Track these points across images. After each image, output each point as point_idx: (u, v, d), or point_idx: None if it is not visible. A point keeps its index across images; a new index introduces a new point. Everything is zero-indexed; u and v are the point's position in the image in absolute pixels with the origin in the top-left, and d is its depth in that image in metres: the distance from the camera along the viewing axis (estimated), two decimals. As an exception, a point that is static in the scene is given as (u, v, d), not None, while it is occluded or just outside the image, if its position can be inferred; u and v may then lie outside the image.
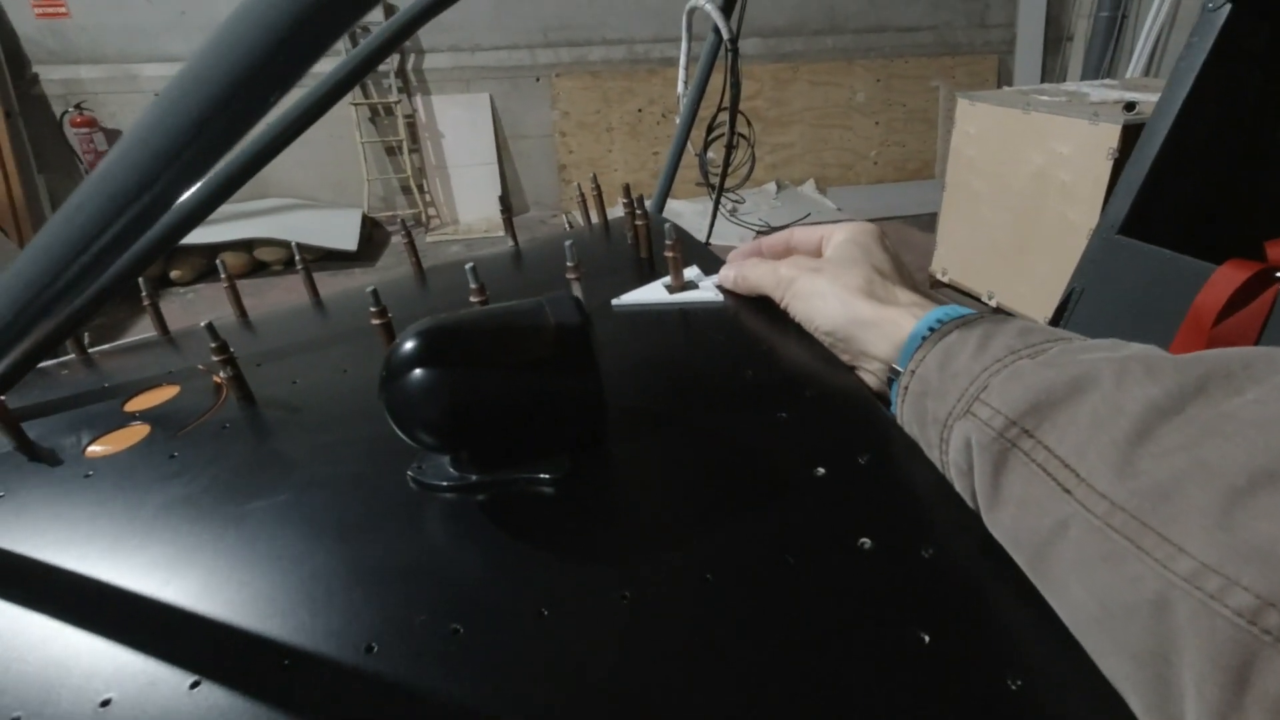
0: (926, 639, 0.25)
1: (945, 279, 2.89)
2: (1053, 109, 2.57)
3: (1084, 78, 3.93)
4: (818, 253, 0.47)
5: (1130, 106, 2.38)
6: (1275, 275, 0.92)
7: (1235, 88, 1.16)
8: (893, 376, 0.36)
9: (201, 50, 0.20)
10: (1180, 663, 0.20)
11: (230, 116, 0.20)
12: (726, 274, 0.50)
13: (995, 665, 0.24)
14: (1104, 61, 3.90)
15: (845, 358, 0.41)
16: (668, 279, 0.52)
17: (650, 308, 0.51)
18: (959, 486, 0.31)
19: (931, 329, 0.34)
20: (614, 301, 0.51)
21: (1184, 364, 0.24)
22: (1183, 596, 0.20)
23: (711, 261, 0.55)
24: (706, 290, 0.51)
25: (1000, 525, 0.28)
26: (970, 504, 0.30)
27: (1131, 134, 2.29)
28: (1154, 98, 2.49)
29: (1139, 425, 0.23)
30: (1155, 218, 1.16)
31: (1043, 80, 4.37)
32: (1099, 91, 2.79)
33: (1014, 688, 0.23)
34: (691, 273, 0.53)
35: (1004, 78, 4.61)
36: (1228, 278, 0.93)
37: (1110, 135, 2.36)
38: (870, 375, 0.39)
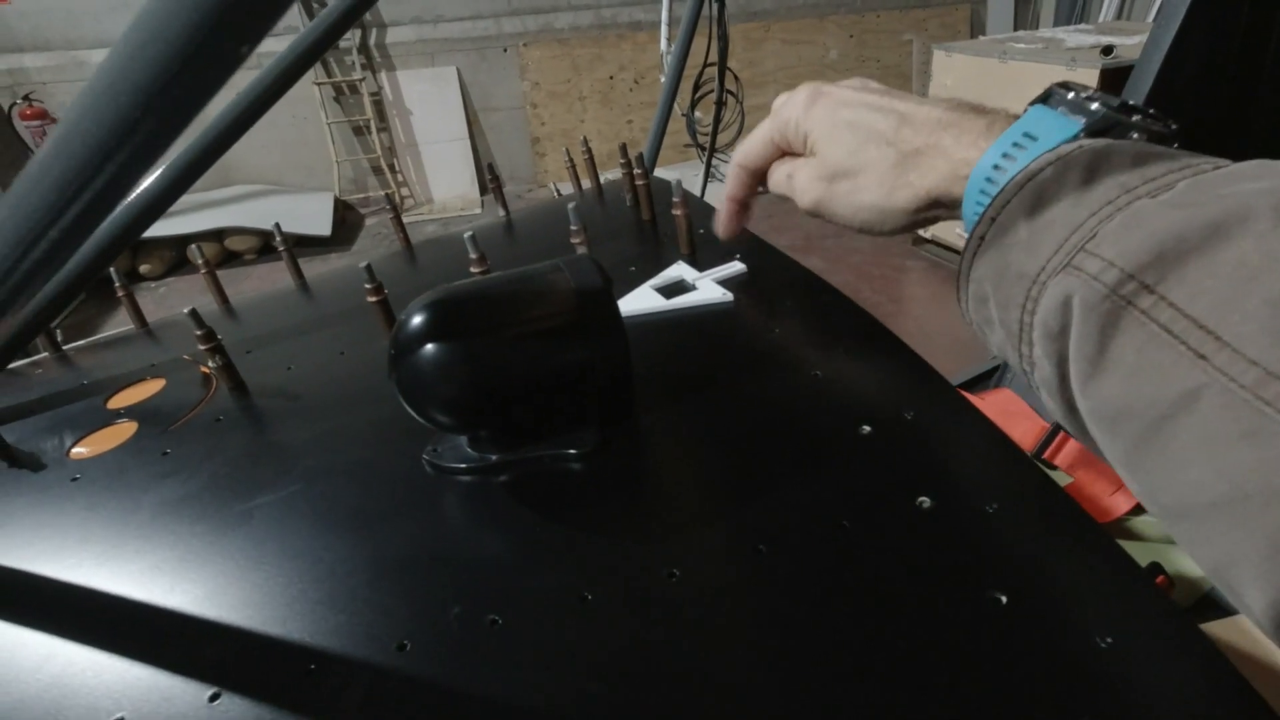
0: (1004, 600, 0.23)
1: (928, 234, 2.89)
2: (1029, 57, 2.54)
3: (1057, 23, 3.90)
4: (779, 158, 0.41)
5: (1108, 50, 2.36)
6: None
7: (1223, 24, 1.14)
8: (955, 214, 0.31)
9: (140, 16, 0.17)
10: None
11: (191, 72, 0.17)
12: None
13: (1081, 623, 0.22)
14: (1076, 6, 3.87)
15: None
16: (656, 280, 0.45)
17: (643, 318, 0.42)
18: (1039, 351, 0.26)
19: (997, 166, 0.29)
20: None
21: None
22: None
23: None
24: (709, 289, 0.44)
25: (1099, 396, 0.24)
26: (1047, 372, 0.26)
27: (1110, 78, 2.28)
28: (1129, 40, 2.48)
29: None
30: (1147, 159, 1.14)
31: (1015, 28, 4.33)
32: (1075, 37, 2.76)
33: (1104, 645, 0.22)
34: (680, 271, 0.46)
35: (976, 28, 4.56)
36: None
37: (1089, 80, 2.34)
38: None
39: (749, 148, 0.41)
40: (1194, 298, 0.21)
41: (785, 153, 0.41)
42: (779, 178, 0.40)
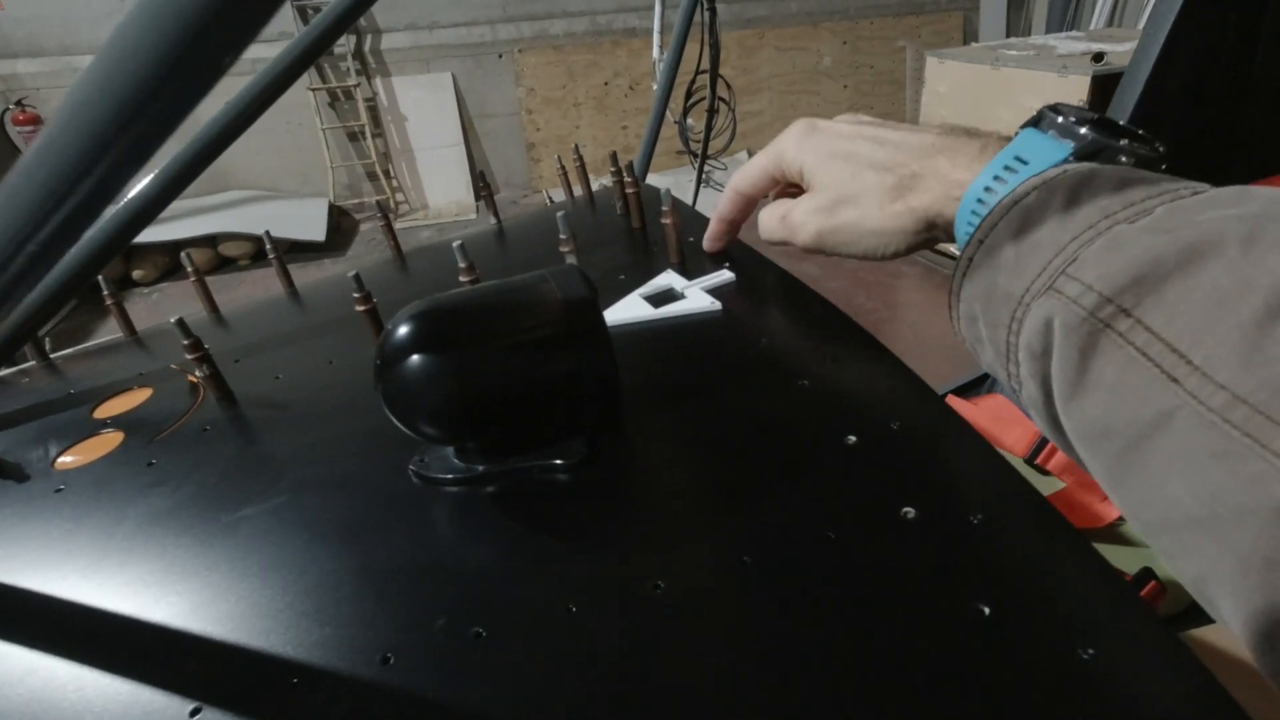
0: (987, 611, 0.23)
1: (922, 240, 2.90)
2: (1021, 63, 2.56)
3: (1049, 30, 3.93)
4: (780, 189, 0.42)
5: (1099, 57, 2.38)
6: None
7: (1211, 31, 1.15)
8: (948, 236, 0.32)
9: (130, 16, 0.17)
10: None
11: (173, 83, 0.17)
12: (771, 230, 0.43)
13: (1063, 635, 0.23)
14: (1067, 13, 3.90)
15: None
16: (644, 289, 0.45)
17: (631, 327, 0.42)
18: (1025, 371, 0.27)
19: (988, 189, 0.29)
20: None
21: None
22: None
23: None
24: (697, 298, 0.43)
25: (1081, 415, 0.24)
26: (1033, 391, 0.27)
27: (1101, 85, 2.30)
28: (1120, 48, 2.50)
29: (1273, 302, 0.19)
30: (1137, 165, 1.15)
31: (1008, 35, 4.36)
32: (1066, 44, 2.78)
33: (1086, 657, 0.22)
34: (669, 280, 0.46)
35: (969, 34, 4.59)
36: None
37: (1080, 87, 2.35)
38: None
39: (745, 173, 0.43)
40: (1169, 322, 0.22)
41: (780, 183, 0.42)
42: (772, 223, 0.41)
